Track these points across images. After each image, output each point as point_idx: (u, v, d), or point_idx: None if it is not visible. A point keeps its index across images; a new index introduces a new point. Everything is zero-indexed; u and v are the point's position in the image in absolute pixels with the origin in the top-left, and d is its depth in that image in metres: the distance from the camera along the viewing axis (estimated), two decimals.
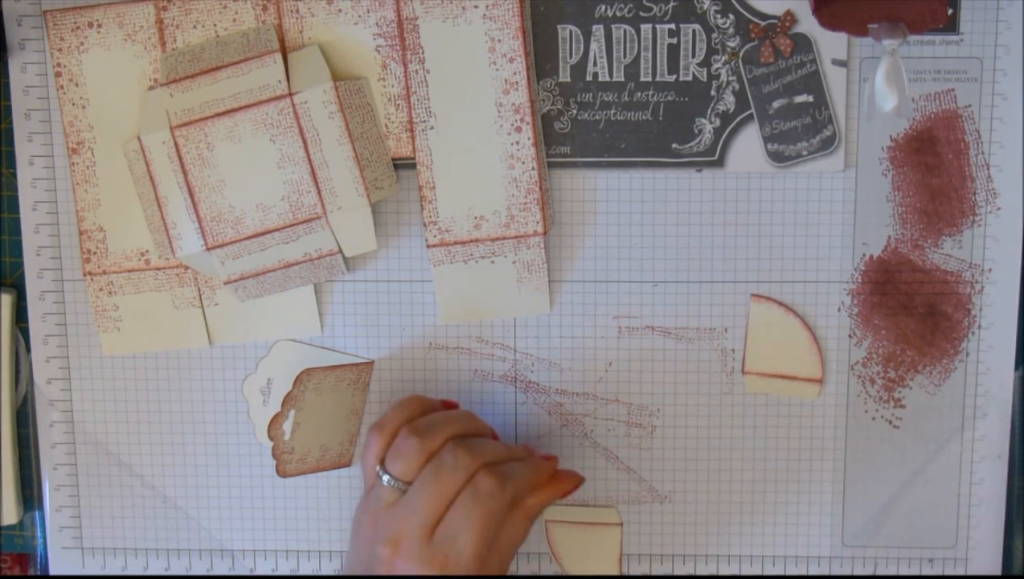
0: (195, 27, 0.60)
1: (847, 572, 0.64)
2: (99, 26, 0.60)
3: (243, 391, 0.63)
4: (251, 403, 0.63)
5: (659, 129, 0.60)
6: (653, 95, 0.60)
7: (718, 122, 0.60)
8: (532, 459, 0.57)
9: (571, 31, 0.60)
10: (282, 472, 0.60)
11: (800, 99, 0.60)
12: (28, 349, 0.64)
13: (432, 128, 0.60)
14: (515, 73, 0.59)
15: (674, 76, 0.60)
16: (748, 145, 0.60)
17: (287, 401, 0.58)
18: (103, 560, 0.66)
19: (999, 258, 0.61)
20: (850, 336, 0.62)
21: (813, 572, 0.64)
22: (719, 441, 0.63)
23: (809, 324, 0.62)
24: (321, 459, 0.62)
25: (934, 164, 0.60)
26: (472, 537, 0.52)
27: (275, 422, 0.58)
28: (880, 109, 0.56)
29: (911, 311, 0.62)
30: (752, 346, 0.62)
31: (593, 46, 0.60)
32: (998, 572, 0.64)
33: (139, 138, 0.58)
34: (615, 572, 0.64)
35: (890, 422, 0.63)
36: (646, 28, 0.59)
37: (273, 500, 0.65)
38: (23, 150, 0.62)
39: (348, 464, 0.64)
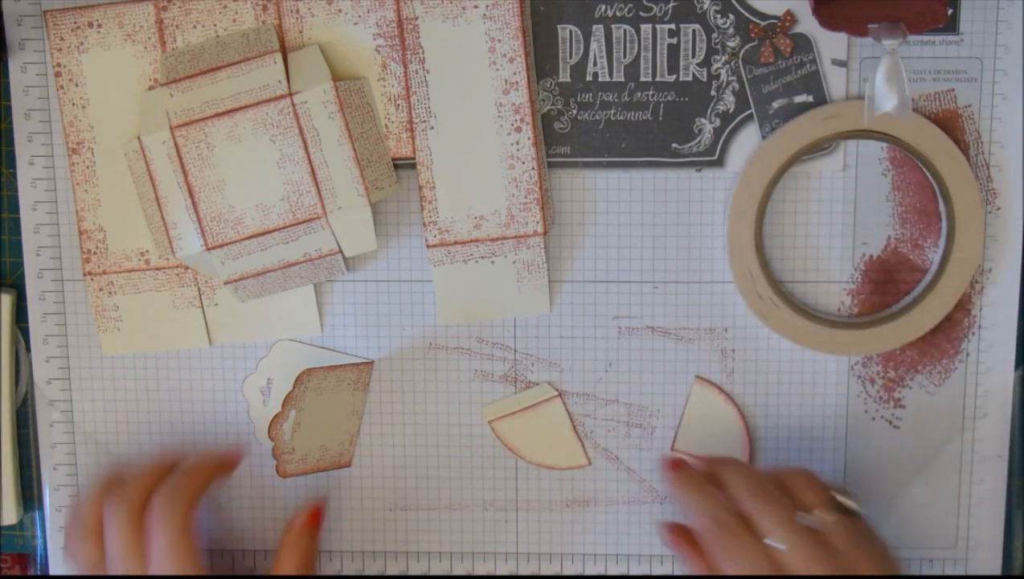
0: (195, 27, 0.60)
1: None
2: (99, 26, 0.60)
3: (243, 391, 0.63)
4: (251, 403, 0.63)
5: (659, 129, 0.60)
6: (653, 95, 0.60)
7: (718, 122, 0.60)
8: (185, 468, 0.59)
9: (571, 31, 0.60)
10: (282, 472, 0.60)
11: (800, 99, 0.60)
12: (28, 349, 0.64)
13: (432, 128, 0.60)
14: (515, 73, 0.59)
15: (674, 76, 0.60)
16: (748, 145, 0.60)
17: (287, 401, 0.58)
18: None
19: (999, 258, 0.61)
20: None
21: None
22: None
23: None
24: (321, 459, 0.62)
25: None
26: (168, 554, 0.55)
27: (275, 422, 0.59)
28: (880, 109, 0.56)
29: None
30: (686, 427, 0.63)
31: (593, 46, 0.60)
32: (998, 572, 0.64)
33: (139, 138, 0.58)
34: (575, 439, 0.63)
35: (890, 422, 0.63)
36: (646, 28, 0.59)
37: (273, 500, 0.65)
38: (23, 150, 0.62)
39: (348, 464, 0.64)
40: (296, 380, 0.58)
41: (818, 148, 0.60)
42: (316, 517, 0.61)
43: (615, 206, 0.61)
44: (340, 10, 0.59)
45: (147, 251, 0.61)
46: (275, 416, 0.58)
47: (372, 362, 0.63)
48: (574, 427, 0.63)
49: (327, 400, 0.60)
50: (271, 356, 0.63)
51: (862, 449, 0.63)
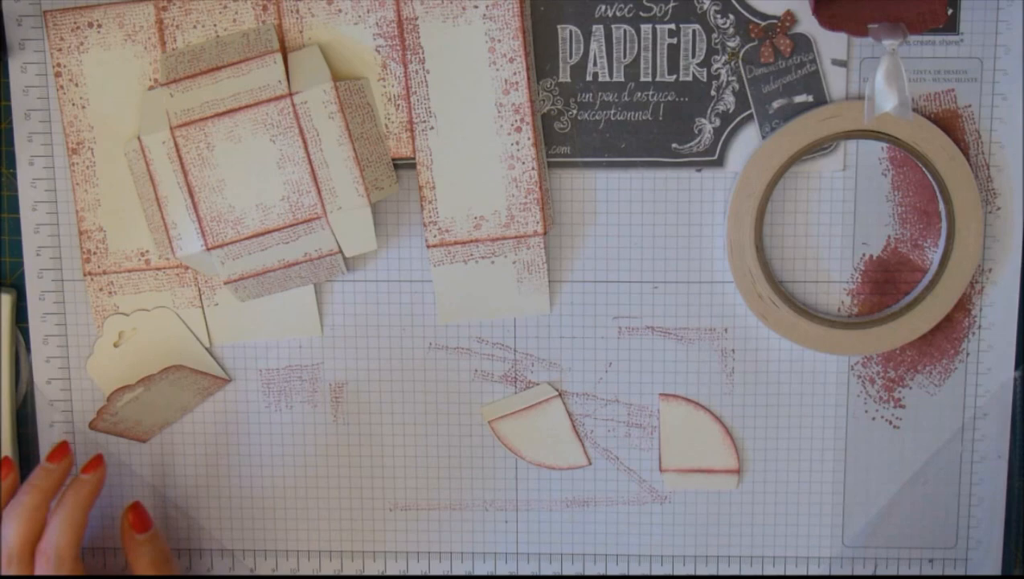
0: (195, 27, 0.60)
1: (847, 572, 0.64)
2: (99, 26, 0.60)
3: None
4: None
5: (659, 129, 0.60)
6: (653, 95, 0.60)
7: (718, 122, 0.60)
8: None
9: (571, 31, 0.60)
10: (93, 426, 0.61)
11: (800, 99, 0.60)
12: (28, 349, 0.64)
13: (432, 128, 0.60)
14: (515, 73, 0.59)
15: (674, 76, 0.60)
16: (748, 145, 0.60)
17: (144, 381, 0.60)
18: (103, 560, 0.66)
19: (999, 258, 0.61)
20: None
21: (813, 572, 0.64)
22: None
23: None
24: (130, 429, 0.63)
25: None
26: None
27: (121, 390, 0.60)
28: (880, 109, 0.56)
29: None
30: (667, 445, 0.62)
31: (593, 46, 0.60)
32: (998, 572, 0.64)
33: (139, 138, 0.58)
34: (575, 439, 0.63)
35: (890, 422, 0.63)
36: (646, 28, 0.59)
37: (273, 500, 0.65)
38: (23, 150, 0.62)
39: (145, 441, 0.64)
40: (164, 369, 0.60)
41: (818, 148, 0.60)
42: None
43: (615, 206, 0.61)
44: (340, 10, 0.59)
45: (147, 251, 0.61)
46: (124, 386, 0.60)
47: (229, 381, 0.63)
48: (574, 427, 0.63)
49: (172, 391, 0.62)
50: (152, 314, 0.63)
51: (862, 449, 0.63)
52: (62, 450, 0.60)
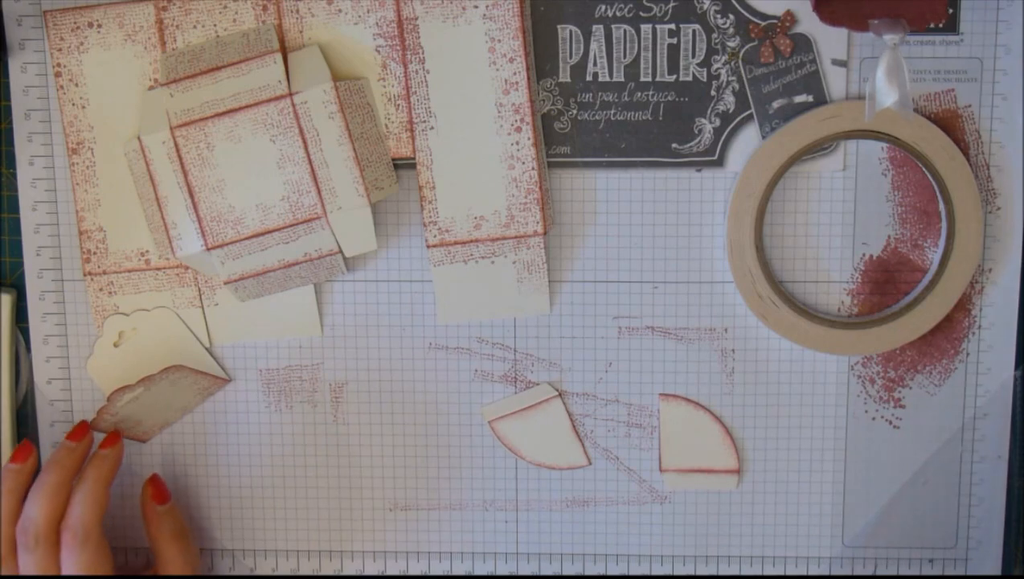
0: (195, 27, 0.60)
1: (847, 572, 0.64)
2: (99, 26, 0.60)
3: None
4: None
5: (659, 129, 0.60)
6: (653, 95, 0.60)
7: (718, 122, 0.60)
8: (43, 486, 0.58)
9: (571, 31, 0.60)
10: (94, 425, 0.61)
11: (800, 99, 0.60)
12: (28, 349, 0.64)
13: (432, 128, 0.60)
14: (515, 73, 0.59)
15: (674, 76, 0.60)
16: (748, 145, 0.60)
17: (145, 381, 0.60)
18: None
19: (999, 258, 0.61)
20: None
21: (813, 572, 0.64)
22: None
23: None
24: (130, 429, 0.63)
25: None
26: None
27: (122, 390, 0.60)
28: (881, 104, 0.56)
29: None
30: (667, 445, 0.62)
31: (593, 46, 0.60)
32: (998, 572, 0.64)
33: (139, 138, 0.58)
34: (575, 439, 0.63)
35: (890, 422, 0.63)
36: (646, 28, 0.59)
37: (273, 500, 0.65)
38: (23, 150, 0.62)
39: (145, 441, 0.64)
40: (164, 369, 0.60)
41: (818, 148, 0.60)
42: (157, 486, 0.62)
43: (615, 206, 0.61)
44: (340, 10, 0.59)
45: (147, 251, 0.61)
46: (124, 386, 0.60)
47: (229, 381, 0.63)
48: (574, 427, 0.63)
49: (172, 391, 0.62)
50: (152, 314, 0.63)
51: (862, 449, 0.63)
52: (82, 429, 0.60)
